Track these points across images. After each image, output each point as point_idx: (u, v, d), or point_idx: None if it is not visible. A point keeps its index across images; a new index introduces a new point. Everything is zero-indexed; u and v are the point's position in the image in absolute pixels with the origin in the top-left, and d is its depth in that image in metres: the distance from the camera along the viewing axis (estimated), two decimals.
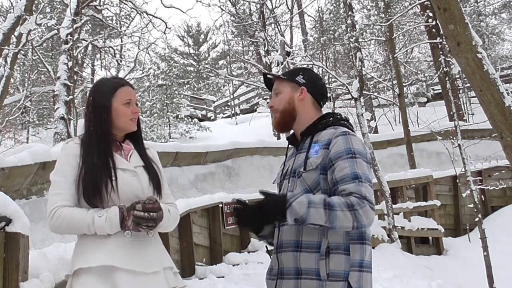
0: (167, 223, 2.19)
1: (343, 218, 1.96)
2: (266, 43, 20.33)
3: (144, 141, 2.37)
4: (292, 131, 2.36)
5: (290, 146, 2.39)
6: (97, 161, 2.12)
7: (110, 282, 2.00)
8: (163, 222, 2.13)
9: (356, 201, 1.98)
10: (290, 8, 25.18)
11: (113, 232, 2.05)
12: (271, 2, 23.98)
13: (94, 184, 2.09)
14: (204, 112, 26.82)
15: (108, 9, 19.95)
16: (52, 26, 14.53)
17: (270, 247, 2.33)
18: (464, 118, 17.49)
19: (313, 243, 2.07)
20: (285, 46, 16.98)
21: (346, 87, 13.22)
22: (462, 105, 19.23)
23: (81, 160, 2.14)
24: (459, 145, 8.82)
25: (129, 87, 2.28)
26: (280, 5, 25.41)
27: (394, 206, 9.58)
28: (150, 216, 2.03)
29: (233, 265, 7.14)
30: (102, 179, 2.09)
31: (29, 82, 20.35)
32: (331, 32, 22.25)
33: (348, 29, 13.61)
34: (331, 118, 2.27)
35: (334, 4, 24.03)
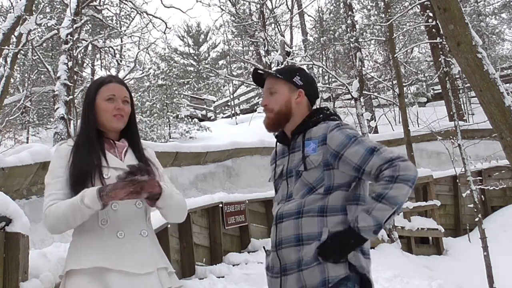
0: (172, 202, 2.10)
1: (398, 191, 2.00)
2: (266, 43, 20.33)
3: (142, 141, 2.34)
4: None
5: (278, 143, 2.37)
6: (86, 159, 2.10)
7: (102, 283, 1.98)
8: (167, 201, 2.04)
9: (391, 169, 2.03)
10: (290, 8, 25.20)
11: (92, 203, 1.94)
12: (271, 2, 24.02)
13: (81, 179, 2.06)
14: (204, 112, 26.79)
15: (108, 9, 19.96)
16: (52, 26, 14.53)
17: (267, 247, 2.33)
18: (464, 118, 17.49)
19: (313, 234, 2.08)
20: (285, 46, 16.97)
21: (346, 87, 13.21)
22: (462, 105, 19.23)
23: (71, 158, 2.12)
24: (459, 145, 8.82)
25: (115, 83, 2.24)
26: (280, 5, 25.46)
27: None
28: (135, 171, 1.92)
29: (233, 265, 7.14)
30: (89, 176, 2.06)
31: (29, 82, 20.34)
32: (331, 32, 22.23)
33: (348, 29, 13.63)
34: (321, 115, 2.27)
35: (334, 4, 24.01)
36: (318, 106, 2.39)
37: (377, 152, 2.07)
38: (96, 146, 2.14)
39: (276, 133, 2.37)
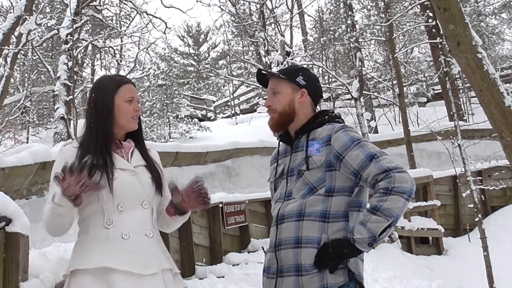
0: (183, 220, 2.25)
1: (392, 203, 2.00)
2: (266, 43, 20.31)
3: (146, 142, 2.34)
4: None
5: (281, 143, 2.37)
6: (94, 160, 2.08)
7: (106, 283, 1.99)
8: (184, 219, 2.22)
9: (386, 181, 2.02)
10: (290, 8, 25.19)
11: (59, 200, 1.93)
12: (271, 2, 23.98)
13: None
14: (204, 112, 26.79)
15: (108, 9, 19.95)
16: (52, 26, 14.53)
17: (266, 248, 2.33)
18: (464, 118, 17.49)
19: (313, 239, 2.09)
20: (285, 46, 16.97)
21: (346, 87, 13.22)
22: (462, 105, 19.23)
23: (77, 160, 2.09)
24: (459, 145, 8.81)
25: (131, 84, 2.25)
26: (280, 5, 25.43)
27: None
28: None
29: (233, 265, 7.14)
30: (95, 178, 2.05)
31: (29, 82, 20.36)
32: (331, 32, 22.25)
33: (348, 29, 13.63)
34: (326, 116, 2.27)
35: (334, 4, 24.03)
36: (319, 107, 2.40)
37: (376, 159, 2.06)
38: (104, 147, 2.12)
39: (280, 134, 2.37)
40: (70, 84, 13.61)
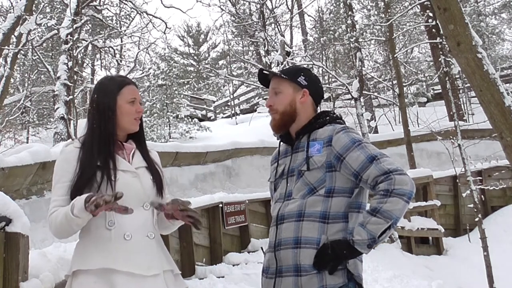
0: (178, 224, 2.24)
1: (392, 205, 2.00)
2: (266, 43, 20.30)
3: (147, 142, 2.34)
4: None
5: (281, 143, 2.37)
6: (95, 162, 2.09)
7: (108, 284, 2.00)
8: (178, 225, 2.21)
9: (386, 183, 2.02)
10: (290, 8, 25.20)
11: (80, 213, 1.95)
12: (271, 2, 23.98)
13: (87, 183, 2.06)
14: (204, 112, 26.80)
15: (108, 9, 19.96)
16: (52, 26, 14.54)
17: (266, 248, 2.33)
18: (464, 118, 17.50)
19: (312, 239, 2.09)
20: (285, 46, 16.97)
21: (346, 87, 13.23)
22: (462, 105, 19.23)
23: (79, 163, 2.10)
24: (459, 145, 8.81)
25: (133, 85, 2.25)
26: (280, 5, 25.44)
27: None
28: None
29: (233, 265, 7.14)
30: (95, 179, 2.06)
31: (29, 82, 20.37)
32: (331, 32, 22.23)
33: (348, 29, 13.62)
34: (328, 117, 2.27)
35: (334, 4, 24.03)
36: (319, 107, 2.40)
37: (376, 161, 2.07)
38: (106, 148, 2.13)
39: (281, 134, 2.37)
40: (70, 84, 13.61)
